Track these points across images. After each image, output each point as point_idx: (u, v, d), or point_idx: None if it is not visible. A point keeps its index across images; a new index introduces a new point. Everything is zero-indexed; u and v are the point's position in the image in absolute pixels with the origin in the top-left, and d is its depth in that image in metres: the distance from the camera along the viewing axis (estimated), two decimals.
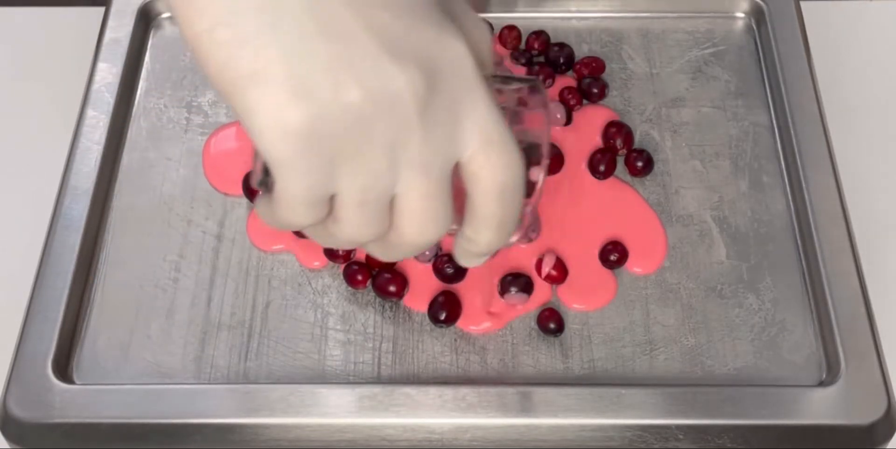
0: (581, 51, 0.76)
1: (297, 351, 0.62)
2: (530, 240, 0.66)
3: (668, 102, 0.73)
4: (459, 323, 0.62)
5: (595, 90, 0.73)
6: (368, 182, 0.46)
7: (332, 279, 0.65)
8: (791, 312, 0.63)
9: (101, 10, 0.77)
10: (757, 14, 0.77)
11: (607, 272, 0.65)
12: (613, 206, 0.68)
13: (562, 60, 0.75)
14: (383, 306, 0.64)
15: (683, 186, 0.69)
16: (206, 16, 0.43)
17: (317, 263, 0.65)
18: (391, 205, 0.47)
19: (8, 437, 0.58)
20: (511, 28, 0.76)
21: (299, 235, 0.66)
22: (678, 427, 0.57)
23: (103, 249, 0.66)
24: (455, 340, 0.62)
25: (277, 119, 0.43)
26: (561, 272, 0.64)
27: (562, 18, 0.79)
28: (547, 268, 0.64)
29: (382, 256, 0.51)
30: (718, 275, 0.65)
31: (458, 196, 0.49)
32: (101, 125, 0.70)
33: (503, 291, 0.63)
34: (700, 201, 0.68)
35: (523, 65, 0.75)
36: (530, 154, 0.54)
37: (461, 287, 0.64)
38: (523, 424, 0.58)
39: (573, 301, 0.63)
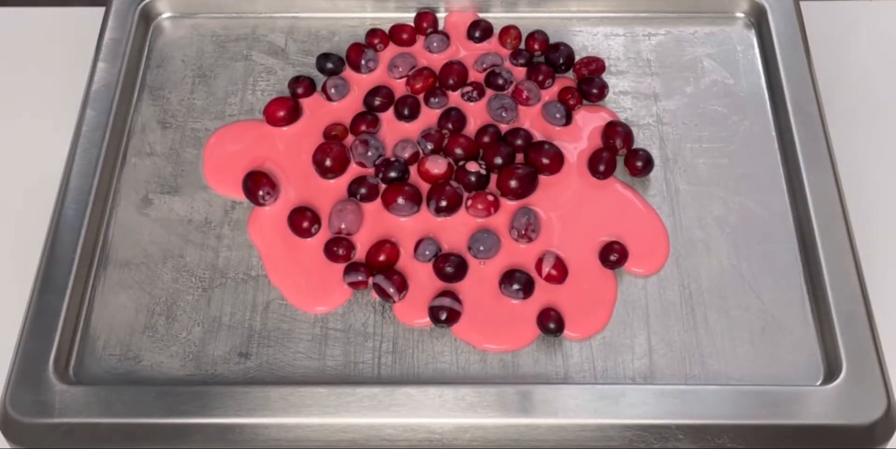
0: (581, 51, 0.76)
1: (297, 351, 0.62)
2: (530, 240, 0.66)
3: (669, 102, 0.73)
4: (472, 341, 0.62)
5: (595, 90, 0.73)
6: None
7: None
8: (791, 312, 0.63)
9: (101, 10, 0.77)
10: (757, 14, 0.77)
11: (607, 272, 0.65)
12: (613, 206, 0.68)
13: (562, 61, 0.75)
14: (383, 306, 0.64)
15: (684, 186, 0.69)
16: None
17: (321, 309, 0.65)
18: None
19: (8, 437, 0.58)
20: (511, 28, 0.76)
21: (301, 234, 0.66)
22: (678, 427, 0.57)
23: (103, 249, 0.66)
24: (455, 339, 0.62)
25: None
26: (561, 272, 0.64)
27: (562, 18, 0.79)
28: (547, 268, 0.64)
29: None
30: (718, 275, 0.65)
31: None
32: (101, 125, 0.70)
33: (503, 286, 0.63)
34: (700, 201, 0.68)
35: (523, 65, 0.75)
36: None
37: (461, 289, 0.64)
38: (523, 424, 0.58)
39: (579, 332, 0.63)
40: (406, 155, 0.69)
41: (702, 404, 0.58)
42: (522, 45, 0.76)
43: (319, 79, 0.74)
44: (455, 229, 0.66)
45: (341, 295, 0.64)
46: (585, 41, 0.77)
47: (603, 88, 0.73)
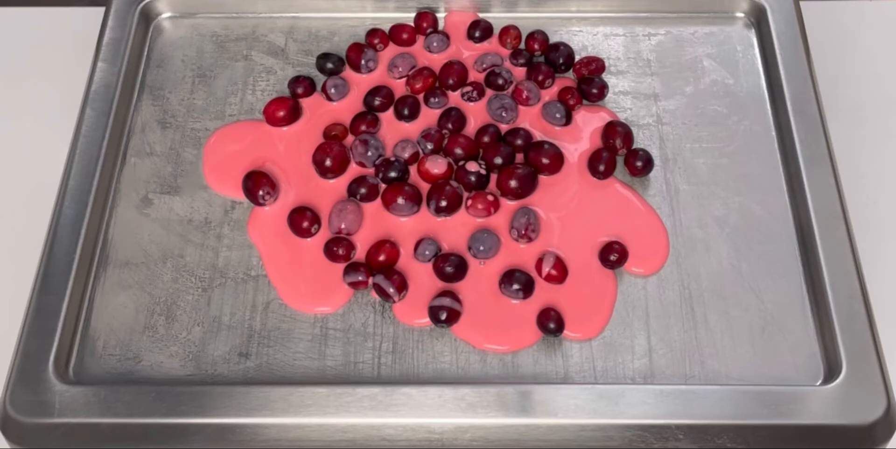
0: (581, 51, 0.76)
1: (296, 351, 0.62)
2: (530, 240, 0.66)
3: (669, 102, 0.73)
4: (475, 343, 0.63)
5: (595, 90, 0.73)
6: None
7: None
8: (791, 312, 0.63)
9: (101, 10, 0.77)
10: (757, 14, 0.77)
11: (607, 272, 0.65)
12: (613, 207, 0.68)
13: (561, 61, 0.75)
14: (383, 306, 0.64)
15: (683, 186, 0.69)
16: None
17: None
18: None
19: (8, 437, 0.58)
20: (511, 28, 0.76)
21: (301, 234, 0.66)
22: (678, 427, 0.57)
23: (103, 249, 0.66)
24: (455, 339, 0.62)
25: None
26: (561, 272, 0.64)
27: (562, 18, 0.79)
28: (547, 268, 0.64)
29: None
30: (718, 275, 0.65)
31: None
32: (101, 125, 0.70)
33: (503, 286, 0.63)
34: (700, 201, 0.68)
35: (523, 65, 0.75)
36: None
37: (461, 288, 0.64)
38: (523, 424, 0.58)
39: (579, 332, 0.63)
40: (406, 155, 0.69)
41: (702, 404, 0.58)
42: (522, 45, 0.76)
43: (319, 79, 0.74)
44: (455, 229, 0.66)
45: (342, 295, 0.64)
46: (585, 41, 0.77)
47: (603, 88, 0.73)
